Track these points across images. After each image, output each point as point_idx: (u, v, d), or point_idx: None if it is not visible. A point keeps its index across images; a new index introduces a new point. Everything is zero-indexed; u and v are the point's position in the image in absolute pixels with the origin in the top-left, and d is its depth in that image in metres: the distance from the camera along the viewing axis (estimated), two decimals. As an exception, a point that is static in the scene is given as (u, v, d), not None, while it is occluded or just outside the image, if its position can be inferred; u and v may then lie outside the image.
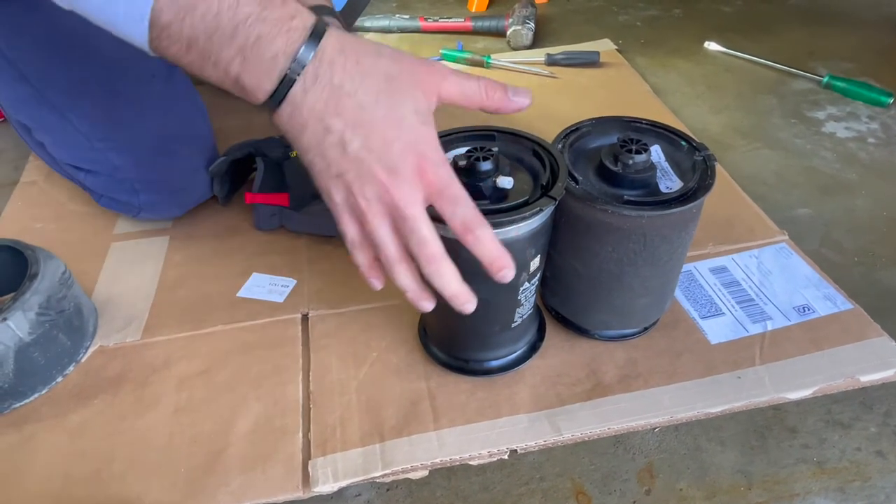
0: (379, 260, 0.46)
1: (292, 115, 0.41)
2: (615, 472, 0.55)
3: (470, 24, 1.32)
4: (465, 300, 0.46)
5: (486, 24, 1.32)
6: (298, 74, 0.40)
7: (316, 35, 0.40)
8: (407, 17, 1.37)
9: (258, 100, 0.42)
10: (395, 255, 0.45)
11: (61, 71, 0.68)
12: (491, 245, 0.44)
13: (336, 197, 0.44)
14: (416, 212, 0.42)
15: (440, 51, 1.23)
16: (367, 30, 1.38)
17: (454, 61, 1.21)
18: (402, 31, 1.37)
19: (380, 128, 0.41)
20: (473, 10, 1.48)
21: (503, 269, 0.44)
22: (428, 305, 0.48)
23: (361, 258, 0.47)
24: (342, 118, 0.41)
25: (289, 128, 0.42)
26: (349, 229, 0.45)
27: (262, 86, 0.41)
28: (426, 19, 1.35)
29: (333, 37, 0.41)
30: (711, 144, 0.96)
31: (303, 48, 0.40)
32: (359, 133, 0.41)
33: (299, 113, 0.41)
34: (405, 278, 0.46)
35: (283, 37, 0.39)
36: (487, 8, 1.49)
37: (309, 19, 0.41)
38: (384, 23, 1.37)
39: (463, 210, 0.43)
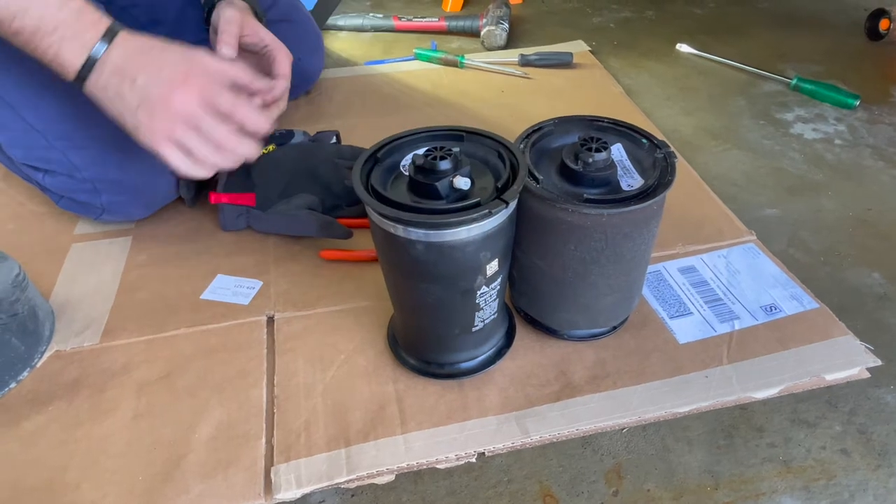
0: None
1: (97, 81, 0.57)
2: (583, 473, 0.54)
3: (444, 23, 1.32)
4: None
5: (461, 23, 1.31)
6: (99, 55, 0.56)
7: (110, 33, 0.57)
8: (381, 15, 1.35)
9: (69, 75, 0.57)
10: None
11: (15, 66, 0.66)
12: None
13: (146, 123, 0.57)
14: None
15: (414, 50, 1.22)
16: (341, 28, 1.37)
17: (427, 61, 1.20)
18: (376, 30, 1.36)
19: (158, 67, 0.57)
20: (448, 9, 1.48)
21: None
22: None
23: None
24: (137, 71, 0.57)
25: (95, 90, 0.58)
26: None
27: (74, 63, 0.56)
28: (400, 18, 1.34)
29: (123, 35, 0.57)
30: (683, 146, 0.97)
31: (99, 42, 0.56)
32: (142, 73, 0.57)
33: (99, 76, 0.57)
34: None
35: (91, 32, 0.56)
36: (462, 8, 1.49)
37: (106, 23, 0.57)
38: (358, 21, 1.35)
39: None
